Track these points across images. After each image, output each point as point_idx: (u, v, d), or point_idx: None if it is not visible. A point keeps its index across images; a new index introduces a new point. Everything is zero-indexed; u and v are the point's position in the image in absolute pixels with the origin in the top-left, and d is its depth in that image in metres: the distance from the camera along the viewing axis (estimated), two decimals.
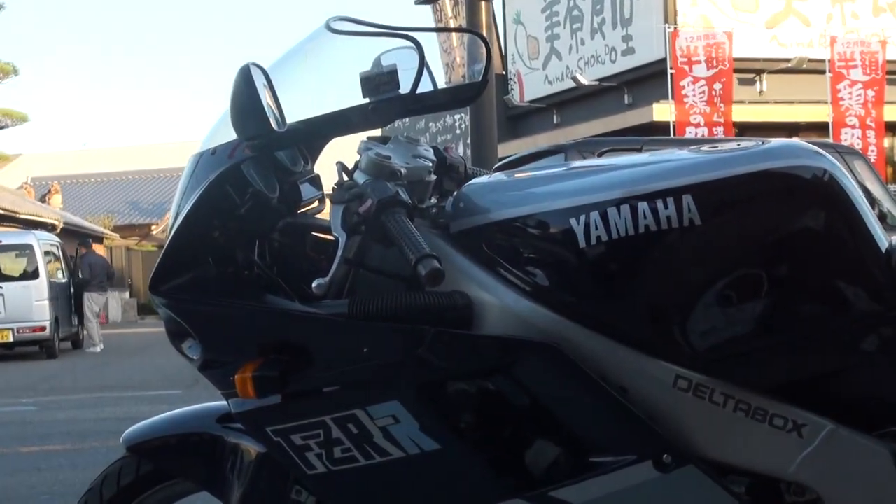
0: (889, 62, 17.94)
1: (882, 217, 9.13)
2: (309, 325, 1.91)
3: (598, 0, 19.95)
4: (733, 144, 2.01)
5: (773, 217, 1.92)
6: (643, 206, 1.88)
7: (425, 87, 2.15)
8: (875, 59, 17.54)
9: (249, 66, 1.96)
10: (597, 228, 1.89)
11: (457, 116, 22.98)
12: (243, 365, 1.90)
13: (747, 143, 2.01)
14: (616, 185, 1.93)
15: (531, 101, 21.93)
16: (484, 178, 2.14)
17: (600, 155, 8.29)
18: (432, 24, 24.68)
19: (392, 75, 2.02)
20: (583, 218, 1.90)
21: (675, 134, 15.81)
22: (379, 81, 2.02)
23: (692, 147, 2.09)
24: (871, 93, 17.56)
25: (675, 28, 17.42)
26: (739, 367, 1.90)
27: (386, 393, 1.89)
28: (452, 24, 23.14)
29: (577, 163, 2.18)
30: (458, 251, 1.97)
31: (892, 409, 1.95)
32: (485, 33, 10.86)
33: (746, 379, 1.90)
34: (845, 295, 1.94)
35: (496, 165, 8.88)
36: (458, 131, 22.99)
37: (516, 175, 2.11)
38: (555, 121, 21.47)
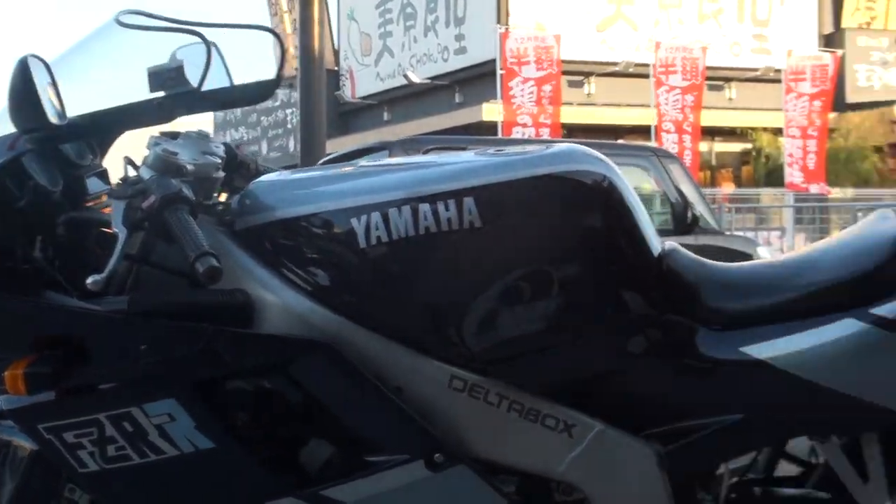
0: (709, 68, 18.57)
1: (695, 220, 9.45)
2: (87, 321, 1.89)
3: None
4: (520, 148, 2.06)
5: (551, 221, 1.97)
6: (424, 207, 1.91)
7: (221, 82, 2.14)
8: (696, 64, 18.13)
9: (28, 57, 1.92)
10: (377, 229, 1.91)
11: (288, 111, 22.81)
12: (15, 361, 1.87)
13: (532, 147, 2.06)
14: (399, 186, 1.95)
15: (362, 98, 21.94)
16: (272, 176, 2.14)
17: (425, 153, 8.35)
18: (268, 17, 24.42)
19: (179, 70, 2.01)
20: (364, 218, 1.91)
21: (502, 134, 16.02)
22: (166, 76, 2.01)
23: (480, 150, 2.13)
24: (689, 98, 18.14)
25: (507, 29, 17.67)
26: (515, 368, 1.94)
27: (162, 391, 1.87)
28: (287, 18, 22.95)
29: (366, 162, 2.20)
30: (241, 249, 1.97)
31: (660, 411, 2.02)
32: (316, 28, 10.78)
33: (521, 380, 1.94)
34: (618, 298, 2.00)
35: (321, 161, 8.86)
36: (289, 126, 22.81)
37: (303, 174, 2.12)
38: (385, 118, 21.53)
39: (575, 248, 1.98)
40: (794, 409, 1.98)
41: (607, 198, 2.00)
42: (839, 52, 20.06)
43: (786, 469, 2.22)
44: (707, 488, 2.09)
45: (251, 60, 2.24)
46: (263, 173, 2.27)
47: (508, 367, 1.93)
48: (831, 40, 22.48)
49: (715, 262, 2.09)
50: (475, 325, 1.92)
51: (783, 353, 1.95)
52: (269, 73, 2.18)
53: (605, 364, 2.00)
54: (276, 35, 2.30)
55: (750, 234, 16.56)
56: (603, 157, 2.07)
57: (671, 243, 2.11)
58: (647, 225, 2.07)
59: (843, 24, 23.41)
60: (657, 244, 2.08)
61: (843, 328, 1.92)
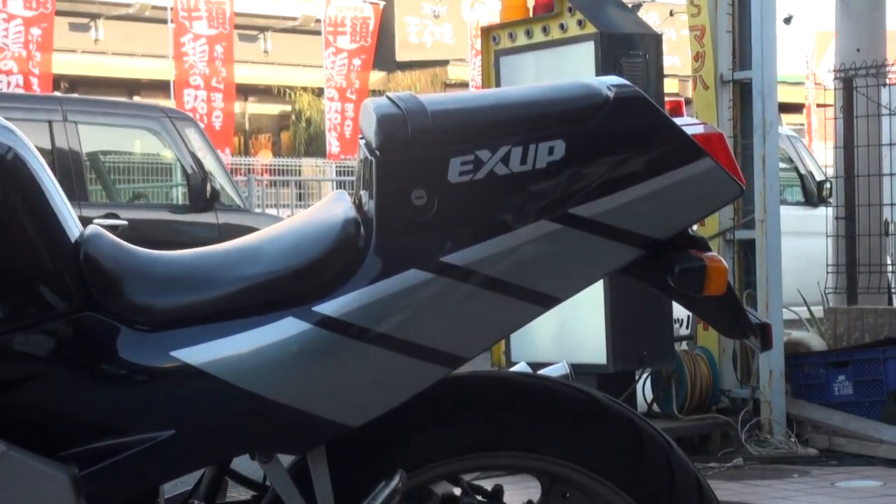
0: (240, 15, 18.77)
1: (215, 195, 9.50)
2: None
3: None
4: None
5: None
6: None
7: None
8: (222, 10, 18.23)
9: None
10: None
11: None
12: None
13: None
14: None
15: None
16: None
17: None
18: None
19: None
20: None
21: None
22: None
23: None
24: (218, 48, 18.26)
25: None
26: None
27: None
28: None
29: None
30: None
31: (77, 427, 2.00)
32: None
33: None
34: (20, 292, 1.97)
35: None
36: None
37: None
38: None
39: None
40: (232, 423, 2.01)
41: (10, 172, 1.96)
42: (381, 3, 20.82)
43: (238, 492, 2.27)
44: None
45: None
46: None
47: None
48: None
49: (145, 251, 2.09)
50: None
51: (219, 358, 1.98)
52: None
53: (4, 372, 1.96)
54: None
55: (287, 212, 16.96)
56: (8, 124, 2.02)
57: (94, 227, 2.10)
58: (62, 205, 2.04)
59: None
60: (75, 228, 2.06)
61: (284, 329, 1.98)
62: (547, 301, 2.03)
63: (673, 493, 2.15)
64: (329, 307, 1.98)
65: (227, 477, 2.22)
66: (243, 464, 2.21)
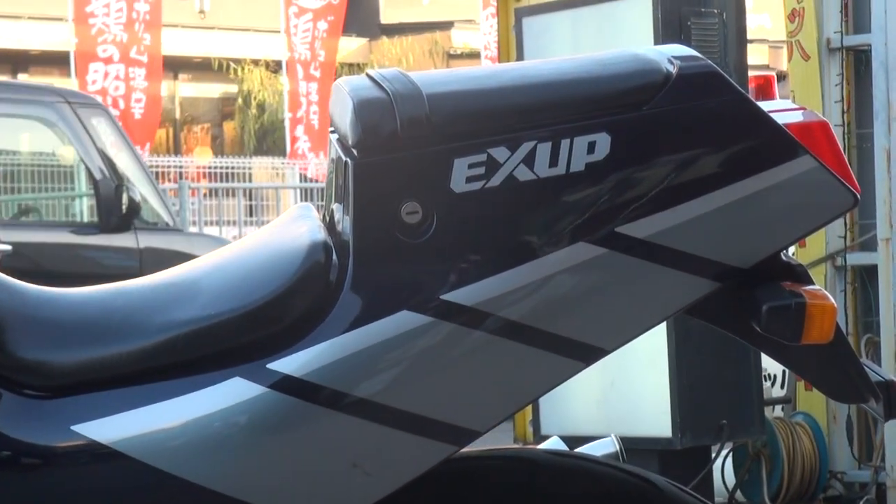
0: None
1: (134, 208, 9.51)
2: None
3: None
4: None
5: None
6: None
7: None
8: None
9: None
10: None
11: None
12: None
13: None
14: None
15: None
16: None
17: None
18: None
19: None
20: None
21: None
22: None
23: None
24: (140, 7, 18.33)
25: None
26: None
27: None
28: None
29: None
30: None
31: None
32: None
33: None
34: None
35: None
36: None
37: None
38: None
39: None
40: None
41: None
42: None
43: None
44: None
45: None
46: None
47: None
48: None
49: (35, 287, 2.11)
50: None
51: (139, 434, 1.99)
52: None
53: None
54: None
55: (234, 232, 17.00)
56: None
57: None
58: None
59: None
60: None
61: (229, 395, 1.99)
62: (588, 353, 2.04)
63: None
64: (290, 364, 1.99)
65: None
66: None
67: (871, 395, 2.13)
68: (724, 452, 6.34)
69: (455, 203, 1.99)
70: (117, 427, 2.01)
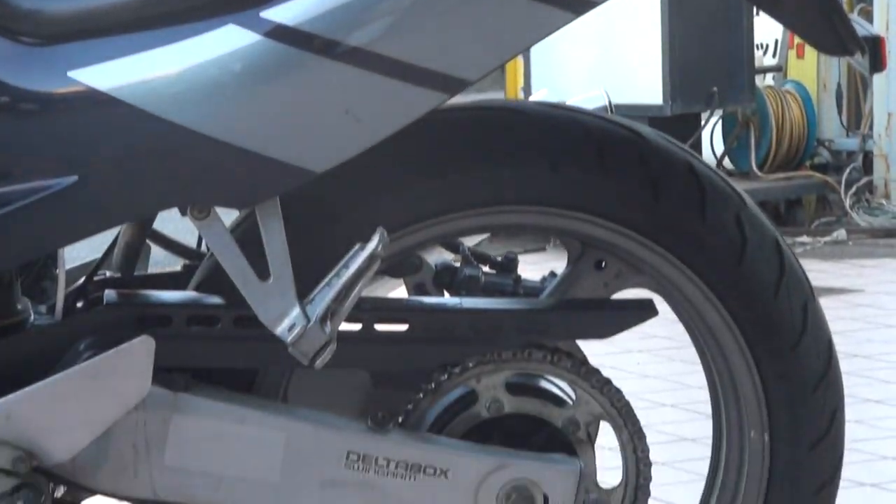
0: None
1: None
2: None
3: None
4: None
5: None
6: None
7: None
8: None
9: None
10: None
11: None
12: None
13: None
14: None
15: None
16: None
17: None
18: None
19: None
20: None
21: None
22: None
23: None
24: None
25: None
26: None
27: None
28: None
29: None
30: None
31: None
32: None
33: None
34: None
35: None
36: None
37: None
38: None
39: None
40: (153, 167, 2.03)
41: None
42: None
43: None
44: None
45: None
46: None
47: None
48: None
49: None
50: None
51: (135, 80, 2.00)
52: None
53: None
54: None
55: None
56: None
57: None
58: None
59: None
60: None
61: (222, 42, 2.00)
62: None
63: (743, 262, 2.19)
64: (283, 13, 1.99)
65: (149, 240, 2.28)
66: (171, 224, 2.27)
67: (857, 48, 2.14)
68: (713, 120, 6.36)
69: None
70: (113, 73, 2.01)
